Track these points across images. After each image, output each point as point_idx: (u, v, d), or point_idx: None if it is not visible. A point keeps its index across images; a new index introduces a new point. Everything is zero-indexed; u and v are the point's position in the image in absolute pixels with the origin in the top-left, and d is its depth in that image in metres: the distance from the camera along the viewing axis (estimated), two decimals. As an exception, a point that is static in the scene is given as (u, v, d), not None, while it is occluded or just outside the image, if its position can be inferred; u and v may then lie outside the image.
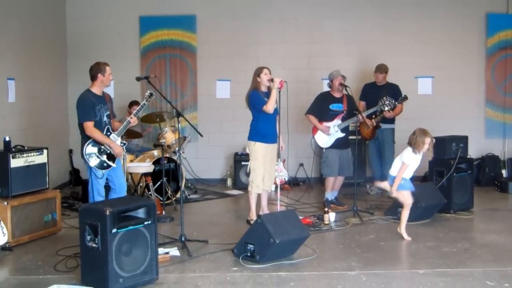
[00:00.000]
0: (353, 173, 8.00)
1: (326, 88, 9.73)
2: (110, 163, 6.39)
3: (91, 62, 6.62)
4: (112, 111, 6.68)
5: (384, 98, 8.31)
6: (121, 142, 6.52)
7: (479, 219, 7.62)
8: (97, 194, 6.35)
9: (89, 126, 6.22)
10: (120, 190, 6.56)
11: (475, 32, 10.42)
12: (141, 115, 8.94)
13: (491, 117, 10.48)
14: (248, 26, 10.38)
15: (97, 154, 6.30)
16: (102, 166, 6.34)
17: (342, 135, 8.03)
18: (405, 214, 6.58)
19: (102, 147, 6.33)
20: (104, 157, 6.34)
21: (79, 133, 6.42)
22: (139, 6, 10.34)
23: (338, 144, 8.04)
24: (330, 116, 8.05)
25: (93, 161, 6.28)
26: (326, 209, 7.24)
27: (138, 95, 10.06)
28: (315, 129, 8.10)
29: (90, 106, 6.24)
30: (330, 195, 8.12)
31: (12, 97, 8.01)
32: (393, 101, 8.29)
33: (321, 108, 8.06)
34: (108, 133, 6.42)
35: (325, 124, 8.01)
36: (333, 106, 8.07)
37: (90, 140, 6.28)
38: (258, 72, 7.17)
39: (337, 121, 8.02)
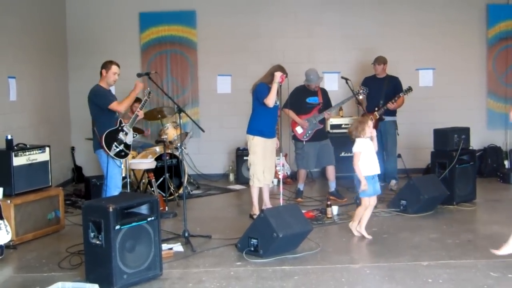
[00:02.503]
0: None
1: (326, 82, 9.76)
2: (127, 151, 6.68)
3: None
4: None
5: (358, 87, 8.35)
6: (133, 134, 6.86)
7: (482, 210, 7.61)
8: (115, 186, 6.51)
9: (115, 104, 6.52)
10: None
11: (475, 23, 10.39)
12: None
13: (493, 108, 10.45)
14: (248, 20, 10.37)
15: (116, 144, 6.52)
16: (120, 155, 6.57)
17: (320, 126, 8.18)
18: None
19: (119, 136, 6.57)
20: (122, 146, 6.58)
21: (91, 128, 6.60)
22: (138, 2, 10.34)
23: (317, 136, 8.14)
24: (307, 109, 8.17)
25: (113, 150, 6.49)
26: (328, 202, 7.25)
27: (139, 91, 10.04)
28: (294, 123, 8.21)
29: (106, 93, 6.56)
30: (302, 186, 8.39)
31: (13, 95, 8.02)
32: (367, 88, 8.36)
33: (298, 102, 8.13)
34: (122, 125, 6.65)
35: (303, 117, 8.12)
36: (310, 100, 8.19)
37: (108, 131, 6.47)
38: (276, 69, 7.07)
39: (314, 114, 8.09)
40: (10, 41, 8.03)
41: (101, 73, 6.61)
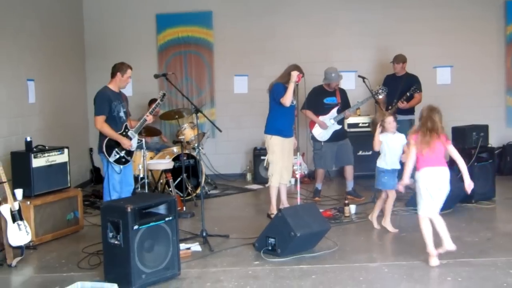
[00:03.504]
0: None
1: (343, 81, 9.71)
2: (128, 158, 6.56)
3: (109, 61, 6.69)
4: (128, 110, 6.74)
5: (378, 86, 8.32)
6: (138, 139, 6.73)
7: (501, 208, 7.55)
8: (113, 189, 6.45)
9: (100, 120, 6.35)
10: (127, 189, 6.62)
11: (493, 20, 10.28)
12: (160, 113, 9.00)
13: (512, 105, 10.36)
14: (264, 21, 10.37)
15: (117, 150, 6.43)
16: (120, 161, 6.46)
17: (338, 127, 8.16)
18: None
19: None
20: (123, 153, 6.48)
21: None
22: (155, 4, 10.39)
23: (335, 136, 8.14)
24: (325, 110, 8.15)
25: (113, 156, 6.40)
26: (346, 201, 7.26)
27: (156, 92, 10.06)
28: (312, 124, 8.21)
29: (106, 101, 6.38)
30: (320, 185, 8.41)
31: (32, 98, 8.10)
32: (386, 88, 8.28)
33: (316, 102, 8.12)
34: (126, 130, 6.53)
35: (321, 117, 8.10)
36: (328, 100, 8.18)
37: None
38: (292, 69, 7.06)
39: (332, 114, 8.09)
40: (29, 44, 8.12)
41: (114, 74, 6.48)
